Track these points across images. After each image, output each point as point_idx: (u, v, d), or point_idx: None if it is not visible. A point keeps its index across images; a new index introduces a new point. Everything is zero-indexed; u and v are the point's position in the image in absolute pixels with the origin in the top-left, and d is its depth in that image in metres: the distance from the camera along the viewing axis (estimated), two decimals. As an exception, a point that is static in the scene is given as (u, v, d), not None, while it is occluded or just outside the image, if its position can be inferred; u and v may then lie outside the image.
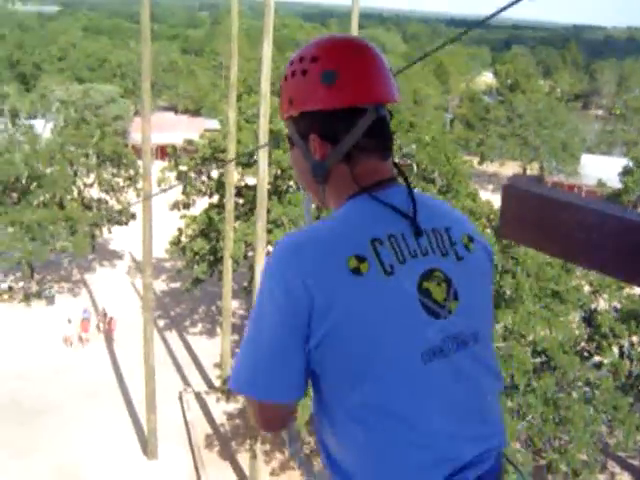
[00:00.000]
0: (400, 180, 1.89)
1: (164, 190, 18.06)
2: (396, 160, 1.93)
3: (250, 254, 28.75)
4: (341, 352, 1.63)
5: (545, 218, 1.85)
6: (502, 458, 1.89)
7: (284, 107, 1.89)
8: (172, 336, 32.72)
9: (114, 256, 41.42)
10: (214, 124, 42.07)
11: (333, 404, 1.71)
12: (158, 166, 32.73)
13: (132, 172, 36.78)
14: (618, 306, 24.21)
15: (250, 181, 29.79)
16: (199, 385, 28.46)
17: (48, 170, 34.03)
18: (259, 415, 1.77)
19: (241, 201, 30.00)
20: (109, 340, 30.88)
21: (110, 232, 36.66)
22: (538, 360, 21.58)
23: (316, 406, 1.79)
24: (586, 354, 23.94)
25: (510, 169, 65.74)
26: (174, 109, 77.81)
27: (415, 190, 1.89)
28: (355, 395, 1.65)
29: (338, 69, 1.78)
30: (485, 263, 1.91)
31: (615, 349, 23.64)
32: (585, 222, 1.75)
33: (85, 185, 36.42)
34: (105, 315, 31.58)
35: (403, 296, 1.67)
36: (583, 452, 20.94)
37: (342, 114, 1.78)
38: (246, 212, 29.59)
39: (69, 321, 30.59)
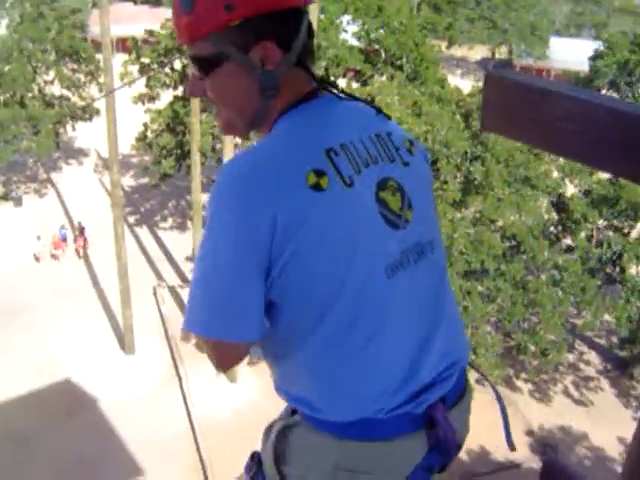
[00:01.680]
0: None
1: (127, 84, 17.57)
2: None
3: (218, 146, 28.48)
4: (307, 275, 1.53)
5: (530, 108, 1.76)
6: (466, 373, 1.83)
7: (215, 15, 1.61)
8: (143, 232, 32.63)
9: (80, 154, 40.75)
10: (175, 14, 40.76)
11: (292, 331, 1.61)
12: (119, 59, 31.85)
13: (92, 67, 35.76)
14: (586, 189, 24.43)
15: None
16: (173, 279, 28.59)
17: (6, 68, 32.97)
18: (216, 355, 1.65)
19: (207, 93, 29.40)
20: (81, 257, 30.18)
21: (74, 129, 35.92)
22: (508, 245, 21.86)
23: (272, 337, 1.66)
24: (554, 238, 24.31)
25: (479, 53, 64.87)
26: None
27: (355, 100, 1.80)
28: (321, 319, 1.56)
29: None
30: (425, 166, 1.82)
31: (583, 234, 24.01)
32: (573, 112, 1.67)
33: (45, 82, 35.40)
34: (82, 230, 30.41)
35: (365, 208, 1.58)
36: (551, 333, 21.53)
37: (290, 14, 1.62)
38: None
39: (38, 238, 29.36)
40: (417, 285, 1.66)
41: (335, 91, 1.75)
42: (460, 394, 1.78)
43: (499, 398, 1.92)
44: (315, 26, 18.33)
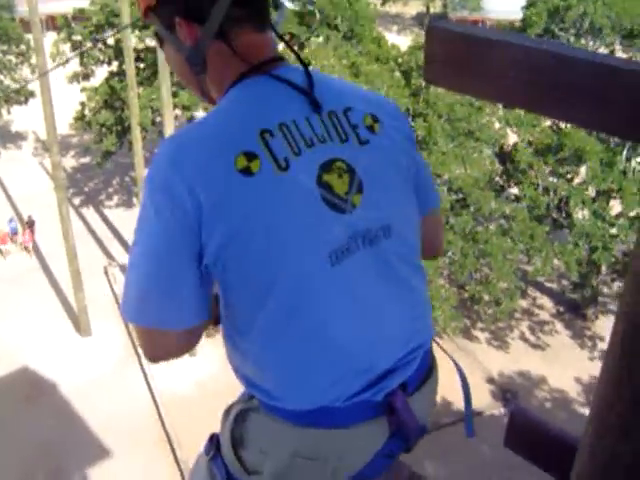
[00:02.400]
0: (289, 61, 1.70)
1: (61, 64, 17.16)
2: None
3: (158, 120, 28.10)
4: (240, 263, 1.48)
5: (474, 59, 1.73)
6: (431, 355, 1.80)
7: (140, 1, 1.65)
8: (89, 212, 32.18)
9: (18, 137, 39.86)
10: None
11: (239, 316, 1.58)
12: (50, 38, 31.11)
13: (23, 47, 34.94)
14: (527, 138, 24.71)
15: (149, 43, 28.66)
16: (123, 258, 28.28)
17: None
18: (147, 344, 1.60)
19: (142, 65, 28.94)
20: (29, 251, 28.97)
21: (10, 113, 35.14)
22: (454, 198, 22.05)
23: (222, 311, 1.64)
24: (500, 188, 24.61)
25: (413, 8, 64.86)
26: (59, -26, 73.52)
27: (313, 70, 1.69)
28: (262, 305, 1.52)
29: None
30: (396, 139, 1.71)
31: (527, 183, 24.32)
32: (517, 60, 1.66)
33: (-25, 66, 34.58)
34: (32, 223, 29.36)
35: (301, 193, 1.51)
36: (504, 281, 21.88)
37: None
38: (149, 77, 28.62)
39: None
40: (368, 271, 1.59)
41: (295, 65, 1.68)
42: (424, 377, 1.76)
43: (463, 380, 1.90)
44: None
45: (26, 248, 28.43)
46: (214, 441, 1.87)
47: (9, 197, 32.99)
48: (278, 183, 1.49)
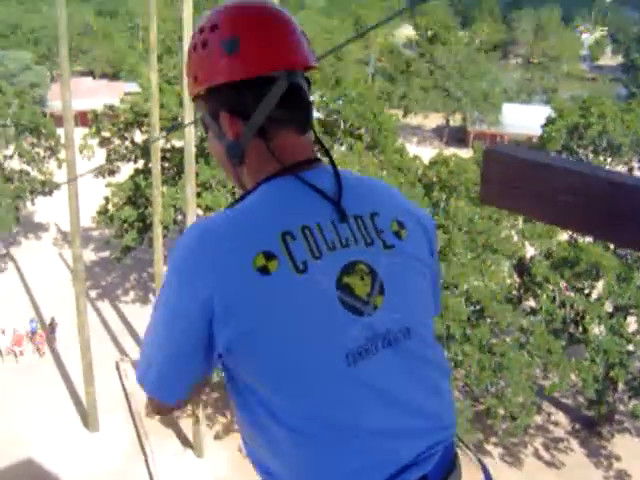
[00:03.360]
0: (324, 160, 1.73)
1: (94, 171, 17.55)
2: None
3: (180, 218, 28.46)
4: (253, 360, 1.51)
5: (528, 182, 1.79)
6: (453, 451, 1.75)
7: (191, 86, 1.73)
8: (105, 306, 32.26)
9: (39, 228, 40.46)
10: (133, 87, 41.18)
11: (253, 404, 1.58)
12: (78, 133, 31.92)
13: (52, 142, 35.80)
14: (547, 251, 24.80)
15: (176, 143, 29.33)
16: (135, 353, 28.17)
17: (-35, 143, 32.91)
18: (151, 404, 1.72)
19: (167, 165, 29.53)
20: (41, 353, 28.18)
21: (34, 204, 35.74)
22: (472, 309, 21.99)
23: (238, 407, 1.66)
24: (517, 301, 24.52)
25: (434, 121, 66.26)
26: (91, 74, 75.85)
27: (344, 171, 1.73)
28: (275, 402, 1.54)
29: (239, 36, 1.62)
30: (422, 249, 1.75)
31: (546, 296, 24.26)
32: (569, 184, 1.71)
33: (5, 157, 35.30)
34: (53, 325, 28.81)
35: (318, 295, 1.53)
36: (520, 396, 21.54)
37: (249, 85, 1.62)
38: (173, 176, 29.17)
39: (2, 332, 27.81)
40: (389, 370, 1.60)
41: (330, 165, 1.71)
42: (446, 473, 1.70)
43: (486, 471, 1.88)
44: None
45: (39, 350, 27.89)
46: None
47: (27, 287, 33.19)
48: (294, 284, 1.51)
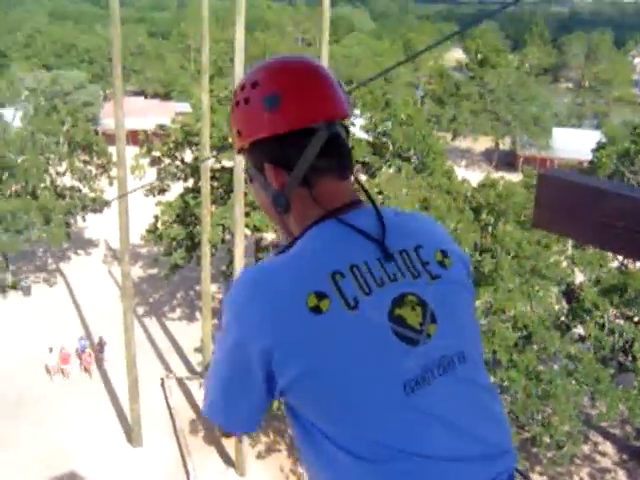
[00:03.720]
0: (364, 200, 1.79)
1: (145, 187, 17.80)
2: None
3: (228, 237, 28.66)
4: (314, 396, 1.56)
5: (582, 207, 1.80)
6: (513, 477, 1.73)
7: (235, 140, 1.81)
8: (151, 323, 32.56)
9: (89, 244, 41.07)
10: (184, 107, 41.72)
11: (318, 437, 1.61)
12: (129, 152, 32.39)
13: (104, 160, 36.41)
14: (596, 278, 24.45)
15: (225, 163, 29.63)
16: (181, 371, 28.38)
17: (19, 159, 33.58)
18: (219, 430, 1.82)
19: (216, 184, 29.82)
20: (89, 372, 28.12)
21: (84, 220, 36.34)
22: (519, 335, 21.74)
23: (301, 440, 1.69)
24: (565, 328, 24.18)
25: (482, 144, 65.93)
26: (143, 93, 77.05)
27: (384, 208, 1.80)
28: (339, 432, 1.57)
29: (280, 92, 1.70)
30: (463, 277, 1.80)
31: (594, 323, 23.89)
32: (624, 210, 1.72)
33: (57, 173, 35.99)
34: (102, 344, 28.78)
35: (371, 329, 1.57)
36: (566, 424, 21.18)
37: (291, 138, 1.69)
38: (222, 196, 29.43)
39: (50, 350, 27.52)
40: (445, 398, 1.62)
41: (371, 205, 1.77)
42: None
43: None
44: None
45: (86, 369, 27.95)
46: None
47: (76, 302, 33.66)
48: (347, 321, 1.55)
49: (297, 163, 1.70)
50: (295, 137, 1.70)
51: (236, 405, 1.68)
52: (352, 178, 1.82)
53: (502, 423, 1.76)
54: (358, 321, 1.56)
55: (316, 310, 1.54)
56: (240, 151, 1.83)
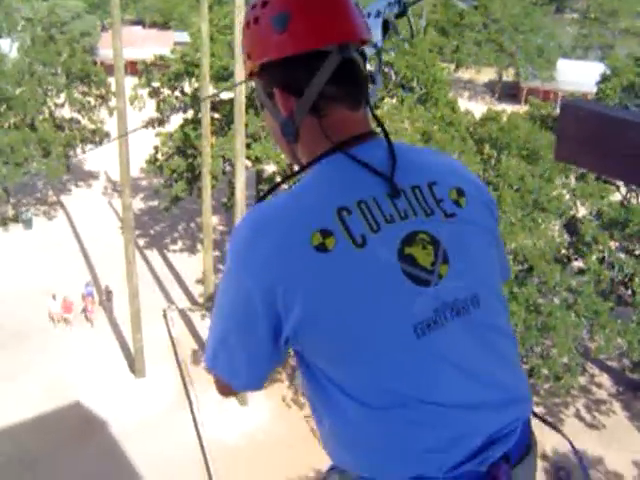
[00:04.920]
0: (379, 133, 1.70)
1: (146, 125, 17.60)
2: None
3: (228, 169, 28.55)
4: (321, 338, 1.50)
5: (608, 138, 1.73)
6: (530, 428, 1.71)
7: (246, 64, 1.71)
8: (153, 255, 32.67)
9: (89, 176, 40.94)
10: (183, 37, 41.15)
11: (324, 383, 1.57)
12: (128, 82, 32.06)
13: (103, 90, 36.01)
14: (597, 211, 24.43)
15: (225, 95, 29.31)
16: (183, 302, 28.57)
17: (17, 91, 33.20)
18: (215, 384, 1.74)
19: (217, 116, 29.55)
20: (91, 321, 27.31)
21: (84, 152, 36.12)
22: (520, 268, 21.80)
23: (307, 388, 1.66)
24: (566, 261, 24.26)
25: (486, 76, 65.19)
26: (141, 23, 75.85)
27: (399, 143, 1.69)
28: (347, 377, 1.53)
29: (290, 10, 1.59)
30: (482, 217, 1.70)
31: (594, 256, 23.96)
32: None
33: (56, 105, 35.62)
34: (109, 292, 27.82)
35: (380, 268, 1.50)
36: (565, 357, 21.42)
37: (302, 61, 1.59)
38: (222, 127, 29.20)
39: (54, 297, 26.74)
40: (461, 341, 1.56)
41: (384, 138, 1.68)
42: (525, 450, 1.67)
43: (574, 449, 1.84)
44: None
45: (87, 318, 27.14)
46: None
47: (77, 235, 33.71)
48: (354, 259, 1.48)
49: (306, 89, 1.60)
50: (305, 60, 1.60)
51: (239, 358, 1.61)
52: (368, 110, 1.72)
53: (518, 369, 1.72)
54: (366, 260, 1.49)
55: (321, 248, 1.47)
56: (251, 75, 1.73)
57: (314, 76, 1.59)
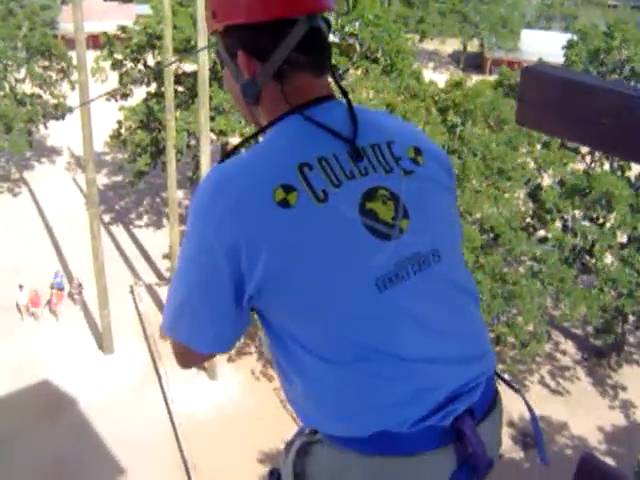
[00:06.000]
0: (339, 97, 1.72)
1: (108, 94, 17.33)
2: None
3: (193, 143, 28.31)
4: (284, 293, 1.51)
5: (568, 103, 1.73)
6: (494, 384, 1.75)
7: (209, 21, 1.70)
8: (118, 230, 32.39)
9: (52, 152, 40.32)
10: (146, 10, 40.50)
11: (289, 343, 1.58)
12: (90, 56, 31.57)
13: (64, 64, 35.39)
14: (560, 179, 24.64)
15: (188, 67, 28.99)
16: (149, 277, 28.43)
17: (-25, 66, 32.57)
18: (176, 354, 1.72)
19: (180, 89, 29.22)
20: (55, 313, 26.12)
21: (47, 128, 35.56)
22: (485, 237, 21.95)
23: (272, 345, 1.66)
24: (532, 230, 24.47)
25: (450, 47, 65.17)
26: (102, -5, 74.54)
27: (359, 106, 1.72)
28: (310, 333, 1.54)
29: None
30: (440, 175, 1.73)
31: (559, 224, 24.21)
32: (613, 106, 1.65)
33: (16, 80, 34.93)
34: (80, 285, 26.27)
35: (342, 222, 1.52)
36: (530, 324, 21.68)
37: (269, 27, 1.60)
38: (186, 100, 28.88)
39: (20, 287, 25.38)
40: (423, 295, 1.59)
41: (343, 100, 1.71)
42: (490, 405, 1.69)
43: (531, 411, 1.85)
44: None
45: (52, 311, 25.90)
46: (275, 476, 1.84)
47: (41, 212, 33.29)
48: (316, 214, 1.51)
49: (272, 54, 1.61)
50: (272, 26, 1.60)
51: (203, 318, 1.60)
52: (329, 77, 1.74)
53: (479, 325, 1.74)
54: (328, 214, 1.52)
55: (284, 204, 1.49)
56: (213, 32, 1.72)
57: (281, 43, 1.60)
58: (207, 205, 1.53)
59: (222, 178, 1.56)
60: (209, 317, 1.59)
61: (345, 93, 1.73)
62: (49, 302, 25.89)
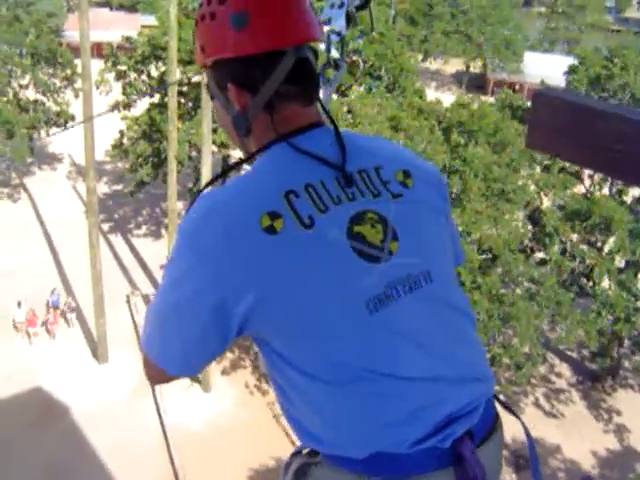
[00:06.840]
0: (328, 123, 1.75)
1: (112, 110, 17.38)
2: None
3: (194, 154, 28.34)
4: (274, 319, 1.53)
5: (578, 127, 1.75)
6: (494, 405, 1.75)
7: (198, 55, 1.73)
8: (117, 239, 32.36)
9: (54, 159, 40.35)
10: (151, 20, 40.62)
11: (283, 365, 1.59)
12: (94, 65, 31.61)
13: (69, 72, 35.46)
14: (559, 203, 24.70)
15: (193, 79, 29.05)
16: (146, 288, 28.37)
17: (-20, 71, 32.63)
18: (146, 367, 1.72)
19: (183, 100, 29.28)
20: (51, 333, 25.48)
21: (48, 135, 35.60)
22: (484, 257, 21.96)
23: (267, 365, 1.67)
24: (530, 251, 24.50)
25: (453, 67, 65.38)
26: (108, 5, 74.81)
27: (346, 131, 1.75)
28: (303, 356, 1.55)
29: (248, 11, 1.62)
30: (431, 194, 1.75)
31: (557, 247, 24.22)
32: (623, 132, 1.66)
33: (20, 86, 35.00)
34: (71, 307, 25.86)
35: (329, 247, 1.54)
36: (526, 346, 21.65)
37: (258, 60, 1.63)
38: (189, 111, 28.94)
39: (19, 305, 24.94)
40: (411, 316, 1.59)
41: (332, 127, 1.73)
42: (490, 428, 1.70)
43: (529, 437, 1.85)
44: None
45: (48, 331, 25.27)
46: None
47: (40, 219, 33.25)
48: (302, 240, 1.52)
49: (261, 87, 1.64)
50: (261, 59, 1.63)
51: (174, 341, 1.61)
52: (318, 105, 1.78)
53: (477, 346, 1.75)
54: (314, 240, 1.53)
55: (270, 230, 1.50)
56: (203, 67, 1.75)
57: (270, 75, 1.64)
58: (194, 233, 1.55)
59: (209, 206, 1.58)
60: (181, 341, 1.60)
61: (332, 120, 1.75)
62: (45, 322, 25.47)
